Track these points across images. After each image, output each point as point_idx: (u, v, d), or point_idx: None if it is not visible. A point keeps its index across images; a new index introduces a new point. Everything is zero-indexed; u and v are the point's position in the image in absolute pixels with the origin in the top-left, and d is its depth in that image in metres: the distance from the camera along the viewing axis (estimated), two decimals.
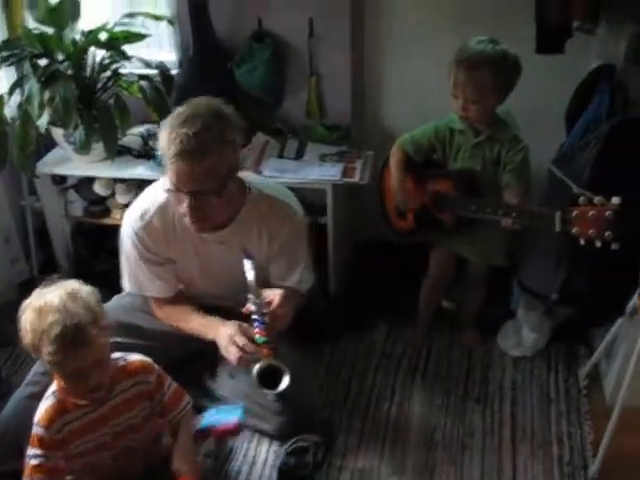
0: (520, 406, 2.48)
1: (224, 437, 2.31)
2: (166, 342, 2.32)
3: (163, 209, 2.18)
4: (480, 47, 2.20)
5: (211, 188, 1.97)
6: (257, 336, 2.03)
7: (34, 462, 1.89)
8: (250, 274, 2.03)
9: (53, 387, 1.93)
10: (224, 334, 2.13)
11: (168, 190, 2.02)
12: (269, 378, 2.03)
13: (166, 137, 1.93)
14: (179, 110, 1.97)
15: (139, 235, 2.20)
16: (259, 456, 2.33)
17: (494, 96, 2.23)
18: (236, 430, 2.26)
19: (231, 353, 2.09)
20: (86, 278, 2.35)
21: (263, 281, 2.22)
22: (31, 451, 1.90)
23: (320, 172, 2.73)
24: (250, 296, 2.02)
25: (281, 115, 3.02)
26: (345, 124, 2.96)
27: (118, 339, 2.13)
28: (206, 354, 2.39)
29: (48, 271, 3.15)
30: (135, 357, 2.03)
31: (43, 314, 1.74)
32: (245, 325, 2.10)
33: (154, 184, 2.26)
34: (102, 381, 1.88)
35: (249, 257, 2.07)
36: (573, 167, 2.35)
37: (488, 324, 2.79)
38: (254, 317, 2.02)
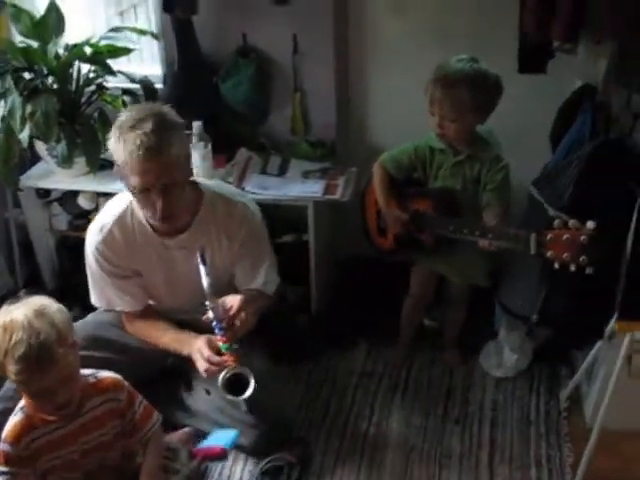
0: (500, 427, 2.45)
1: (211, 459, 2.30)
2: (140, 357, 2.32)
3: (121, 220, 2.19)
4: (459, 65, 2.19)
5: (179, 179, 2.01)
6: (220, 343, 2.05)
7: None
8: (205, 280, 2.03)
9: (22, 402, 1.91)
10: (195, 348, 2.13)
11: (136, 195, 2.02)
12: (237, 386, 2.04)
13: (121, 145, 1.93)
14: (122, 120, 1.97)
15: (99, 249, 2.21)
16: (234, 476, 2.31)
17: (473, 115, 2.21)
18: (222, 454, 2.25)
19: (200, 366, 2.10)
20: (70, 292, 2.37)
21: (229, 286, 2.25)
22: None
23: (302, 189, 2.72)
24: (207, 303, 2.02)
25: (266, 131, 3.01)
26: (330, 140, 2.95)
27: (88, 352, 2.12)
28: (182, 369, 2.39)
29: (32, 284, 3.14)
30: (106, 374, 2.01)
31: (7, 332, 1.73)
32: (213, 337, 2.10)
33: (112, 199, 2.29)
34: (70, 398, 1.87)
35: (204, 263, 2.06)
36: (555, 187, 2.34)
37: (471, 344, 2.76)
38: (214, 324, 2.02)
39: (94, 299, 2.33)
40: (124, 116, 1.98)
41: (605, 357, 2.30)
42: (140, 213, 2.17)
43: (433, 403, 2.56)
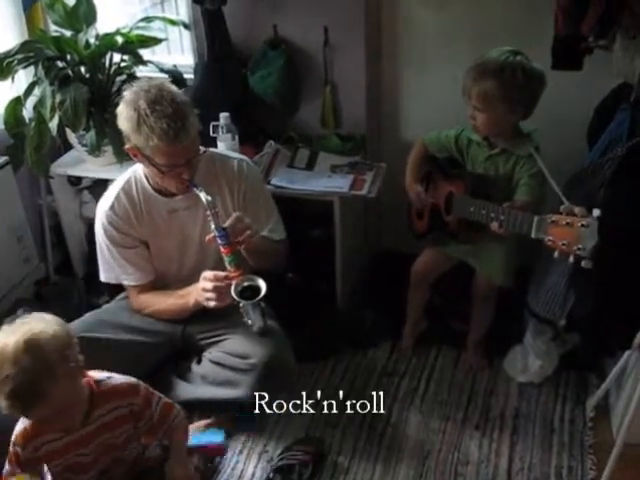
0: (521, 435, 2.38)
1: (209, 455, 2.32)
2: (155, 337, 2.38)
3: (126, 188, 2.28)
4: (493, 56, 2.19)
5: (197, 150, 2.14)
6: (224, 256, 2.10)
7: (11, 478, 1.87)
8: (202, 194, 2.08)
9: None
10: (197, 286, 2.20)
11: (163, 172, 2.09)
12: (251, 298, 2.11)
13: (145, 131, 1.99)
14: (132, 101, 2.02)
15: (108, 216, 2.28)
16: (246, 471, 2.30)
17: (502, 106, 2.18)
18: (220, 450, 2.32)
19: (207, 291, 2.14)
20: (99, 279, 2.40)
21: None
22: (8, 467, 1.88)
23: (328, 183, 2.67)
24: (208, 213, 2.07)
25: (295, 123, 2.98)
26: (360, 134, 2.90)
27: (94, 335, 2.23)
28: (192, 350, 2.46)
29: (63, 271, 3.19)
30: (121, 380, 1.95)
31: None
32: None
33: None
34: (72, 420, 1.83)
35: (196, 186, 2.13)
36: (587, 188, 2.25)
37: (497, 347, 2.68)
38: (216, 234, 2.07)
39: (102, 274, 2.39)
40: (132, 97, 2.03)
41: (635, 367, 2.21)
42: (144, 181, 2.26)
43: (453, 407, 2.50)
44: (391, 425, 2.44)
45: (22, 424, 1.86)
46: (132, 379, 1.98)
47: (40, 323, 1.73)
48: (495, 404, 2.51)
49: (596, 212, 1.72)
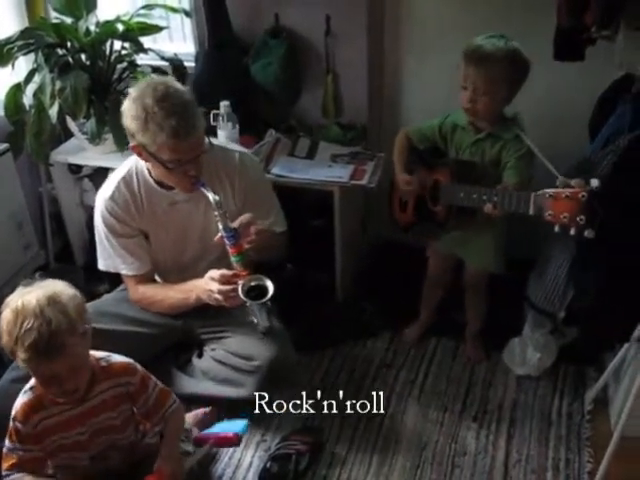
0: (518, 427, 2.37)
1: (222, 445, 2.30)
2: (154, 329, 2.38)
3: (126, 178, 2.26)
4: (492, 40, 2.18)
5: (203, 147, 2.10)
6: (231, 256, 2.10)
7: (12, 455, 1.88)
8: (211, 195, 2.08)
9: (32, 382, 1.89)
10: (203, 281, 2.19)
11: (169, 170, 2.07)
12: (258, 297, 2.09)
13: (153, 128, 1.97)
14: (138, 98, 1.99)
15: (107, 206, 2.26)
16: (244, 460, 2.30)
17: (505, 89, 2.18)
18: (235, 440, 2.26)
19: (213, 290, 2.13)
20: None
21: None
22: (9, 444, 1.89)
23: (328, 173, 2.67)
24: (215, 213, 2.06)
25: (296, 112, 2.97)
26: (361, 124, 2.89)
27: (107, 326, 2.23)
28: (194, 342, 2.48)
29: (63, 259, 3.19)
30: (118, 359, 1.97)
31: (19, 318, 1.69)
32: None
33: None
34: (78, 386, 1.84)
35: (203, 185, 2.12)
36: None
37: (495, 339, 2.67)
38: (224, 234, 2.06)
39: (100, 262, 2.37)
40: (139, 95, 2.00)
41: (633, 360, 2.20)
42: (145, 172, 2.24)
43: (451, 398, 2.50)
44: (389, 416, 2.44)
45: (22, 399, 1.87)
46: (130, 360, 1.99)
47: (58, 284, 1.79)
48: (493, 396, 2.50)
49: (594, 182, 1.72)
